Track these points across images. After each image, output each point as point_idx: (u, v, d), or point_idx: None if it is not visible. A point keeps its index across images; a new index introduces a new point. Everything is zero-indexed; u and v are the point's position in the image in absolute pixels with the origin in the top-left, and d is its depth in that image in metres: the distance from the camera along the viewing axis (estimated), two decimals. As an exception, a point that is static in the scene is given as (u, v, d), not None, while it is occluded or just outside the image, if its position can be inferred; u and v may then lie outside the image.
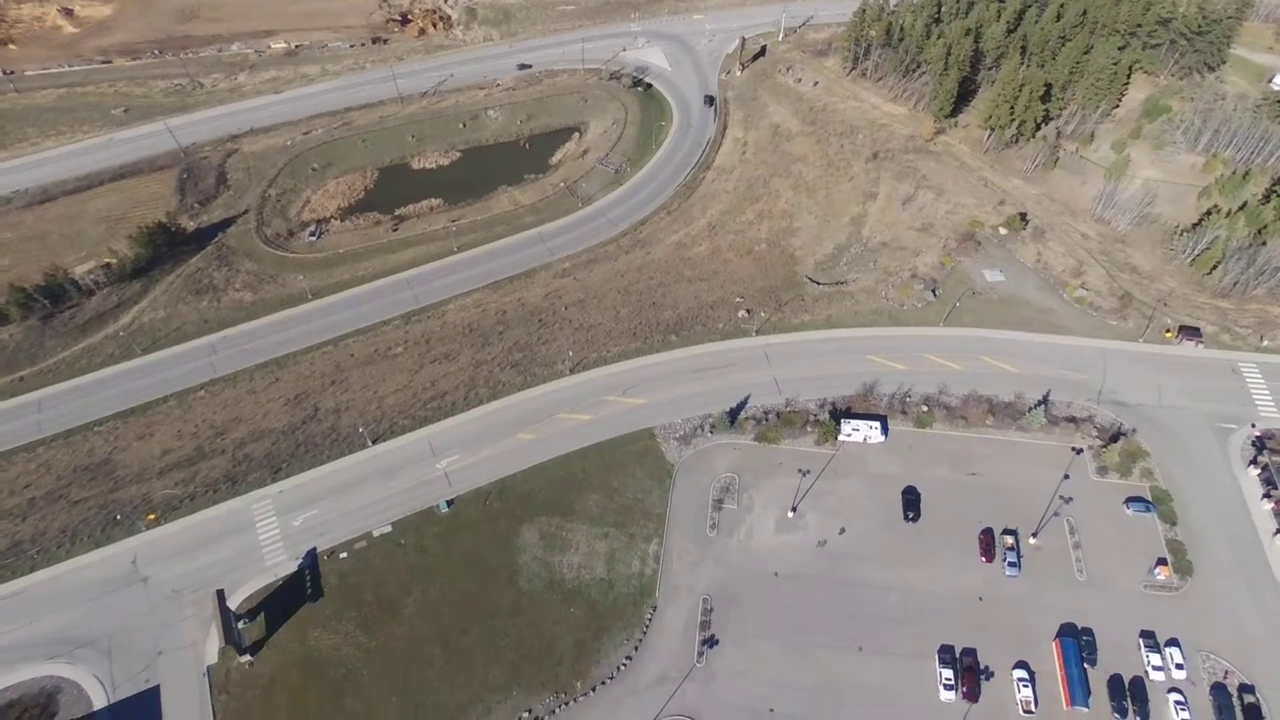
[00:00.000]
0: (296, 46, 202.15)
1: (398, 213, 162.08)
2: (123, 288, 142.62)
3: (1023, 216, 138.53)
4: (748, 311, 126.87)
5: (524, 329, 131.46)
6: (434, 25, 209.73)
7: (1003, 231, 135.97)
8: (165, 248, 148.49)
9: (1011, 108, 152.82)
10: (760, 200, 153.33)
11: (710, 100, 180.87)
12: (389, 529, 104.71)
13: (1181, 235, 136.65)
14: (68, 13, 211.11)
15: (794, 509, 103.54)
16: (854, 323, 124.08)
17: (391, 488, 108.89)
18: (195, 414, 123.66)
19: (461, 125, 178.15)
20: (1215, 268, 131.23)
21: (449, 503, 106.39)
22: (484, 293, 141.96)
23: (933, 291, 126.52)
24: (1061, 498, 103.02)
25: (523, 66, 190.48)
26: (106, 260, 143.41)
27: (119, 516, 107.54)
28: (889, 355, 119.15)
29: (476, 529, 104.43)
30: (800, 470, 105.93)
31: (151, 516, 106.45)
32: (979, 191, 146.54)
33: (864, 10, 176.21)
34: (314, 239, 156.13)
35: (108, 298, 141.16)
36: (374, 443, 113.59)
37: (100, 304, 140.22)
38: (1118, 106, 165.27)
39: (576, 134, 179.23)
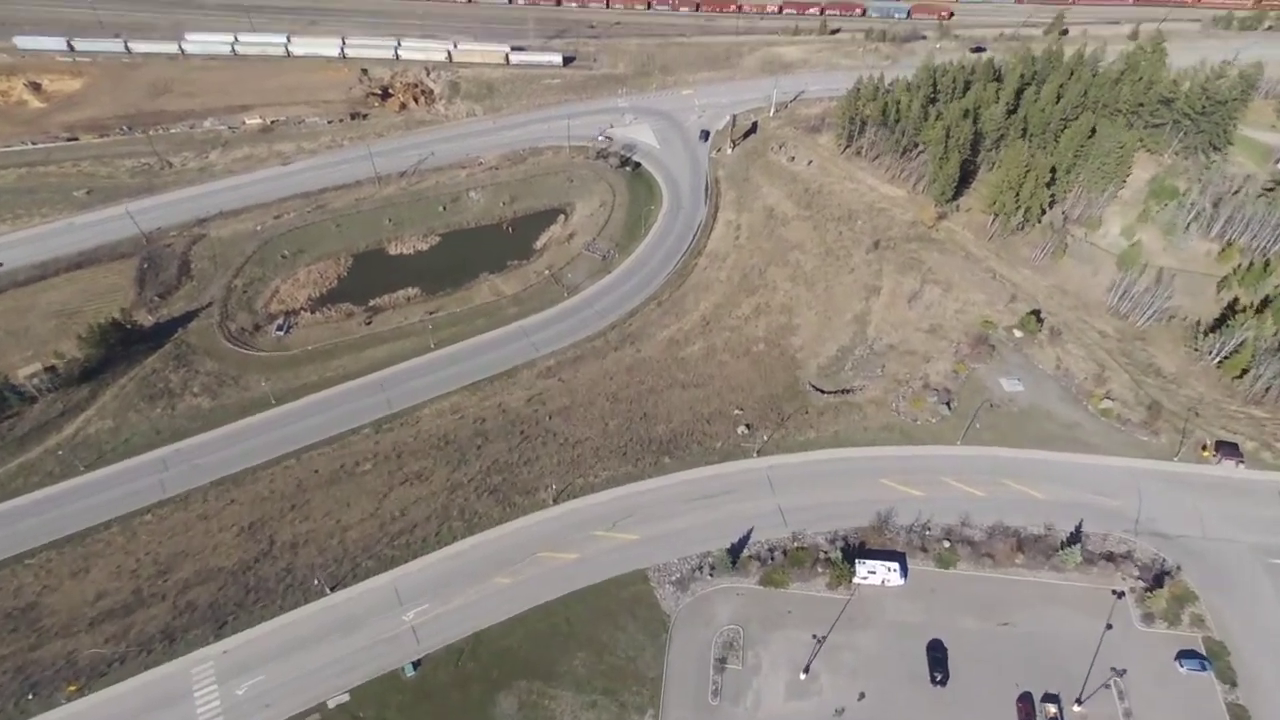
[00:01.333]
0: (272, 122, 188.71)
1: (372, 303, 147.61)
2: (69, 393, 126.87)
3: (1037, 316, 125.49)
4: (747, 427, 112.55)
5: (504, 442, 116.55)
6: (415, 100, 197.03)
7: (1017, 334, 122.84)
8: (119, 347, 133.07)
9: (1017, 194, 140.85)
10: (756, 292, 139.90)
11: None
12: (346, 698, 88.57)
13: (1206, 336, 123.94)
14: (35, 87, 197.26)
15: (806, 669, 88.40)
16: (864, 440, 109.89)
17: (351, 645, 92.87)
18: (139, 544, 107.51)
19: (441, 208, 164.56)
20: (1245, 372, 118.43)
21: (415, 664, 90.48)
22: (462, 395, 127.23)
23: (947, 404, 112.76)
24: (1113, 670, 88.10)
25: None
26: (51, 363, 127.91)
27: (35, 688, 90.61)
28: (904, 479, 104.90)
29: (446, 696, 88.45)
30: (814, 636, 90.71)
31: (73, 688, 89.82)
32: (988, 286, 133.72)
33: (858, 89, 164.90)
34: (281, 334, 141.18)
35: (52, 405, 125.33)
36: (333, 589, 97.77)
37: (43, 413, 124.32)
38: (1123, 187, 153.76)
39: (562, 216, 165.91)
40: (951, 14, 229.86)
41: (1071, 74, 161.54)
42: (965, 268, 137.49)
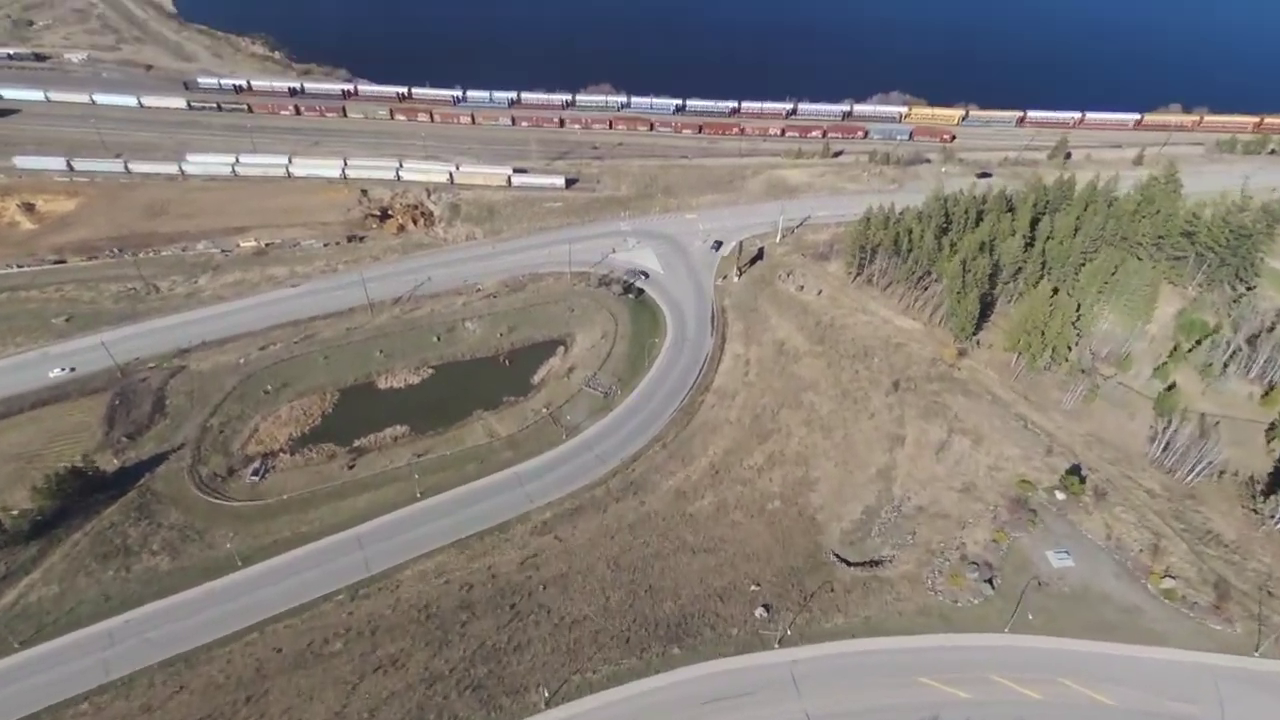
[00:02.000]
0: (267, 245, 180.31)
1: (357, 444, 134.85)
2: (14, 552, 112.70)
3: (1078, 474, 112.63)
4: (766, 608, 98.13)
5: (492, 619, 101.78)
6: (415, 222, 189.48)
7: (1059, 495, 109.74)
8: (77, 496, 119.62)
9: (1042, 333, 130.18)
10: (769, 438, 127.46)
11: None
12: None
13: (1266, 498, 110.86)
14: (29, 208, 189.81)
15: None
16: (899, 628, 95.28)
17: None
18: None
19: (436, 338, 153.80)
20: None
21: None
22: (448, 554, 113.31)
23: (989, 582, 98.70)
24: None
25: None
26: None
27: None
28: (947, 677, 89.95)
29: None
30: None
31: None
32: (1020, 436, 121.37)
33: (868, 218, 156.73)
34: (256, 479, 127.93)
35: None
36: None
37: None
38: (1149, 322, 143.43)
39: (562, 348, 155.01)
40: (954, 137, 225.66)
41: (1087, 206, 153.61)
42: (994, 413, 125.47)
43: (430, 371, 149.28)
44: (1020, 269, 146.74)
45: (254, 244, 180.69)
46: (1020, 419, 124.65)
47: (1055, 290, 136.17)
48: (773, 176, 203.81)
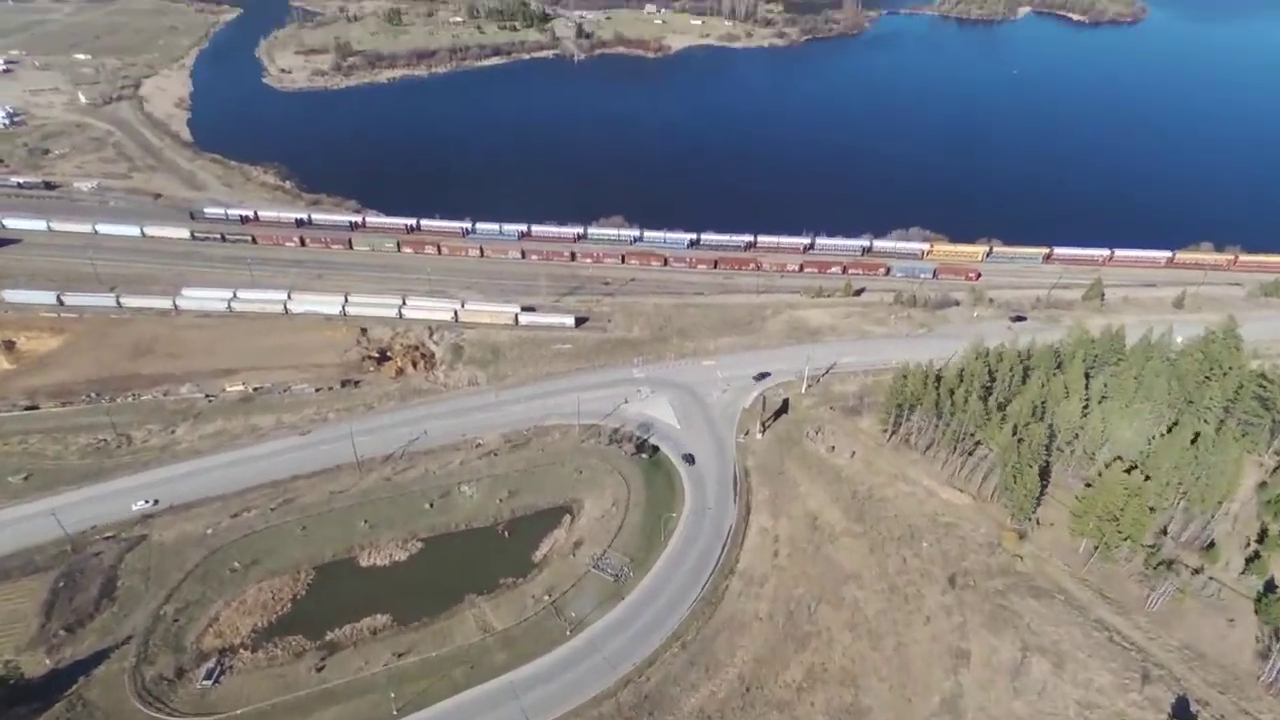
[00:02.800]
0: (255, 389, 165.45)
1: (330, 636, 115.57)
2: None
3: (1185, 709, 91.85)
4: None
5: None
6: (414, 364, 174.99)
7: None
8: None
9: (1117, 521, 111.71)
10: (807, 645, 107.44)
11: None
12: None
13: None
14: (8, 346, 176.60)
15: None
16: None
17: None
18: None
19: (428, 505, 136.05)
20: None
21: None
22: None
23: None
24: None
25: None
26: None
27: None
28: None
29: None
30: None
31: None
32: (1108, 653, 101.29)
33: (905, 377, 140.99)
34: (209, 683, 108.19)
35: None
36: None
37: None
38: (1231, 500, 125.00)
39: (568, 516, 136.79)
40: (979, 275, 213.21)
41: (1145, 364, 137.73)
42: (1071, 621, 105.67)
43: (419, 545, 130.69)
44: (1077, 436, 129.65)
45: (241, 388, 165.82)
46: (1103, 627, 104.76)
47: (1129, 469, 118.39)
48: (793, 317, 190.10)
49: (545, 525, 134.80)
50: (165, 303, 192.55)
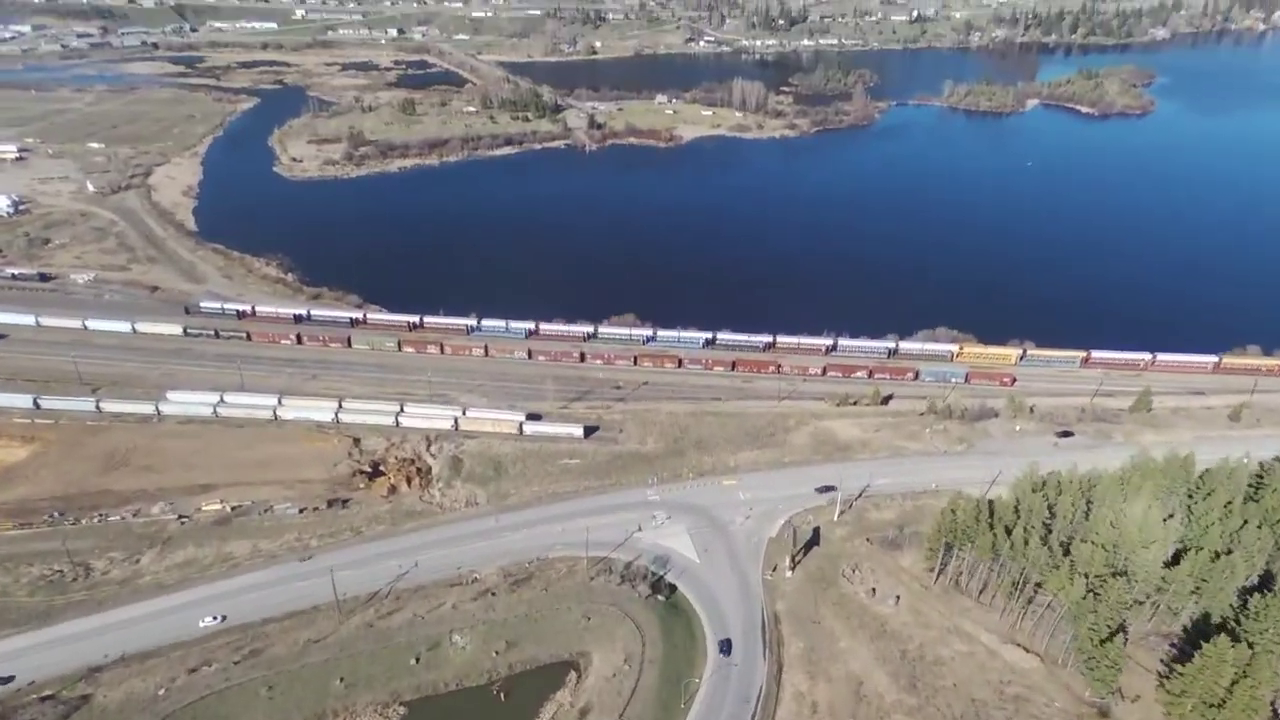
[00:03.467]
0: (234, 508, 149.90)
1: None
2: None
3: None
4: None
5: None
6: (408, 481, 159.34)
7: None
8: None
9: (1222, 704, 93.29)
10: None
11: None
12: None
13: None
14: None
15: None
16: None
17: None
18: None
19: (414, 660, 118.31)
20: None
21: None
22: None
23: None
24: None
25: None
26: None
27: None
28: None
29: None
30: None
31: None
32: None
33: (953, 511, 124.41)
34: None
35: None
36: None
37: None
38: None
39: (573, 674, 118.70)
40: (1013, 380, 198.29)
41: (1228, 504, 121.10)
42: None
43: (402, 711, 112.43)
44: (1160, 588, 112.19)
45: (218, 507, 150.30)
46: None
47: (1223, 629, 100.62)
48: (819, 429, 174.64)
49: (547, 684, 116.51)
50: (147, 407, 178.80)
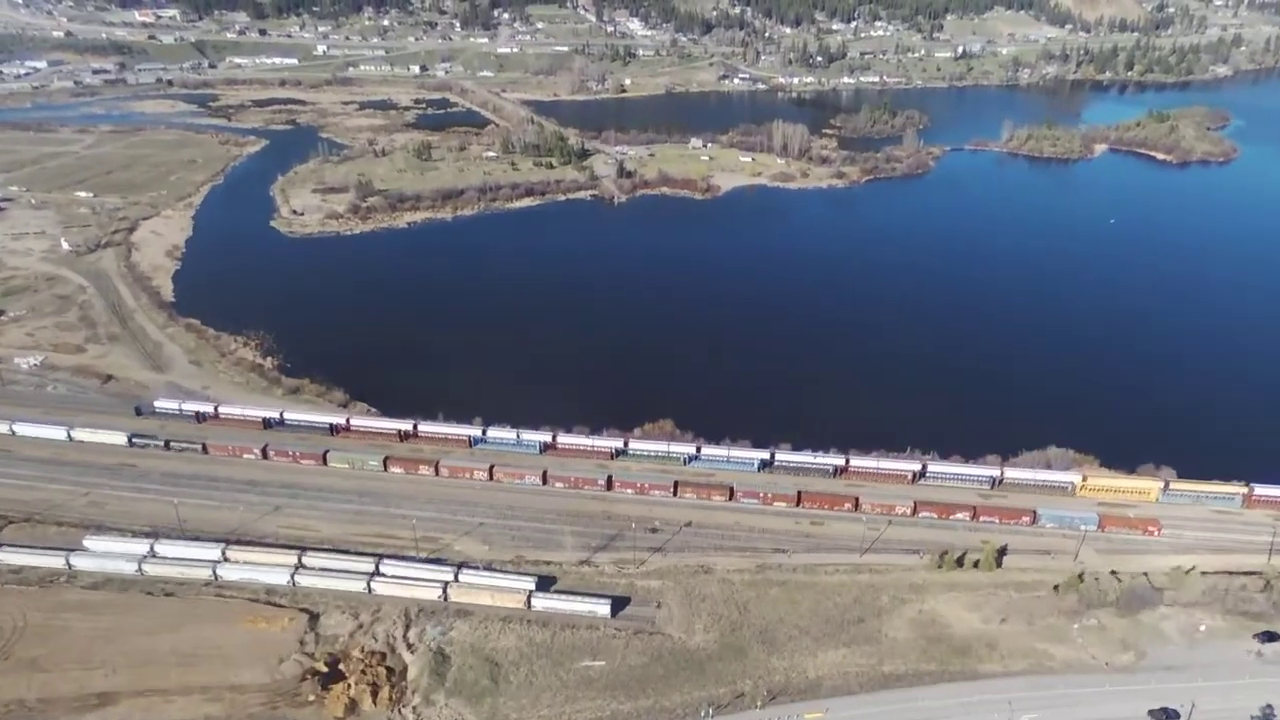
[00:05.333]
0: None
1: None
2: None
3: None
4: None
5: None
6: (374, 691, 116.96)
7: None
8: None
9: None
10: None
11: None
12: None
13: None
14: None
15: None
16: None
17: None
18: None
19: None
20: None
21: None
22: None
23: None
24: None
25: None
26: None
27: None
28: None
29: None
30: None
31: None
32: None
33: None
34: None
35: None
36: None
37: None
38: None
39: None
40: (1159, 528, 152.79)
41: None
42: None
43: None
44: None
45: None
46: None
47: None
48: (925, 613, 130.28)
49: None
50: (57, 560, 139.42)
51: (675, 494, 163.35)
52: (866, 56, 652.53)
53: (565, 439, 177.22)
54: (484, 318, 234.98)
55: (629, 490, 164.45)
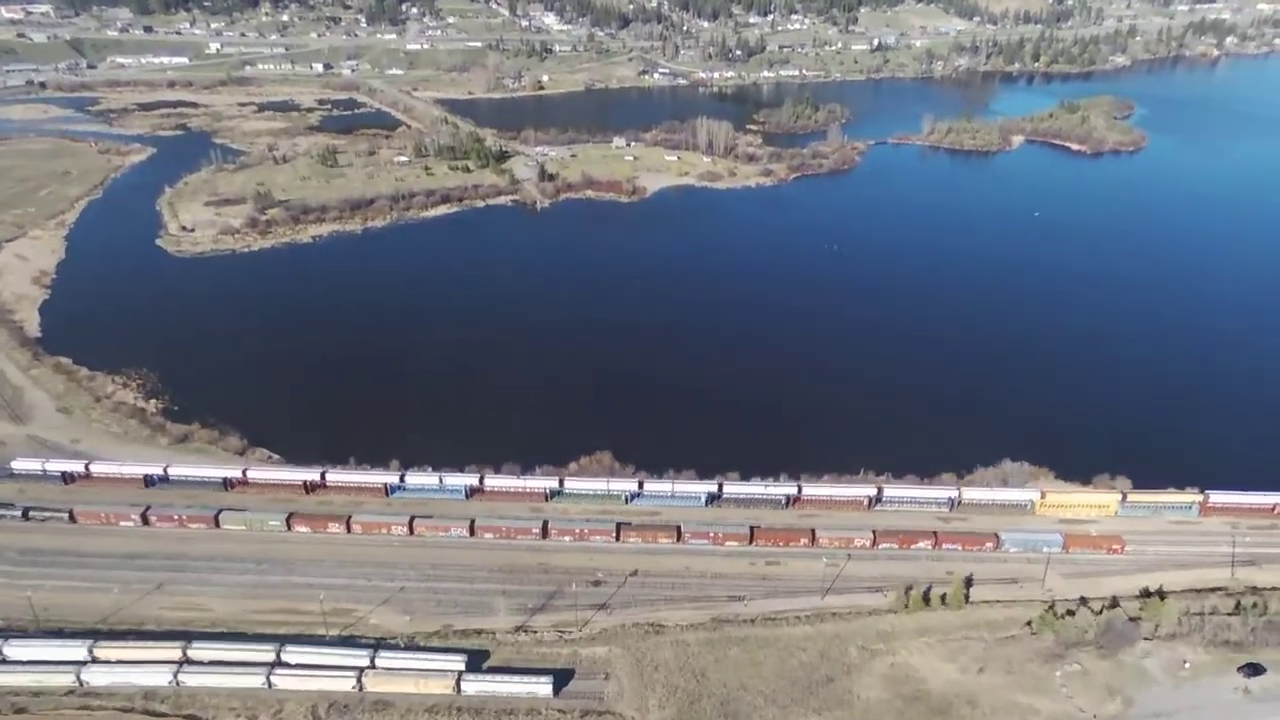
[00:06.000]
0: None
1: None
2: None
3: None
4: None
5: None
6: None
7: None
8: None
9: None
10: None
11: None
12: None
13: None
14: None
15: None
16: None
17: None
18: None
19: None
20: None
21: None
22: None
23: None
24: None
25: None
26: None
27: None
28: None
29: None
30: None
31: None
32: None
33: None
34: None
35: None
36: None
37: None
38: None
39: None
40: (1123, 545, 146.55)
41: None
42: None
43: None
44: None
45: None
46: None
47: None
48: (896, 666, 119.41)
49: None
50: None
51: (618, 538, 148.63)
52: (785, 50, 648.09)
53: (494, 480, 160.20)
54: (398, 344, 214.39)
55: (567, 537, 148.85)
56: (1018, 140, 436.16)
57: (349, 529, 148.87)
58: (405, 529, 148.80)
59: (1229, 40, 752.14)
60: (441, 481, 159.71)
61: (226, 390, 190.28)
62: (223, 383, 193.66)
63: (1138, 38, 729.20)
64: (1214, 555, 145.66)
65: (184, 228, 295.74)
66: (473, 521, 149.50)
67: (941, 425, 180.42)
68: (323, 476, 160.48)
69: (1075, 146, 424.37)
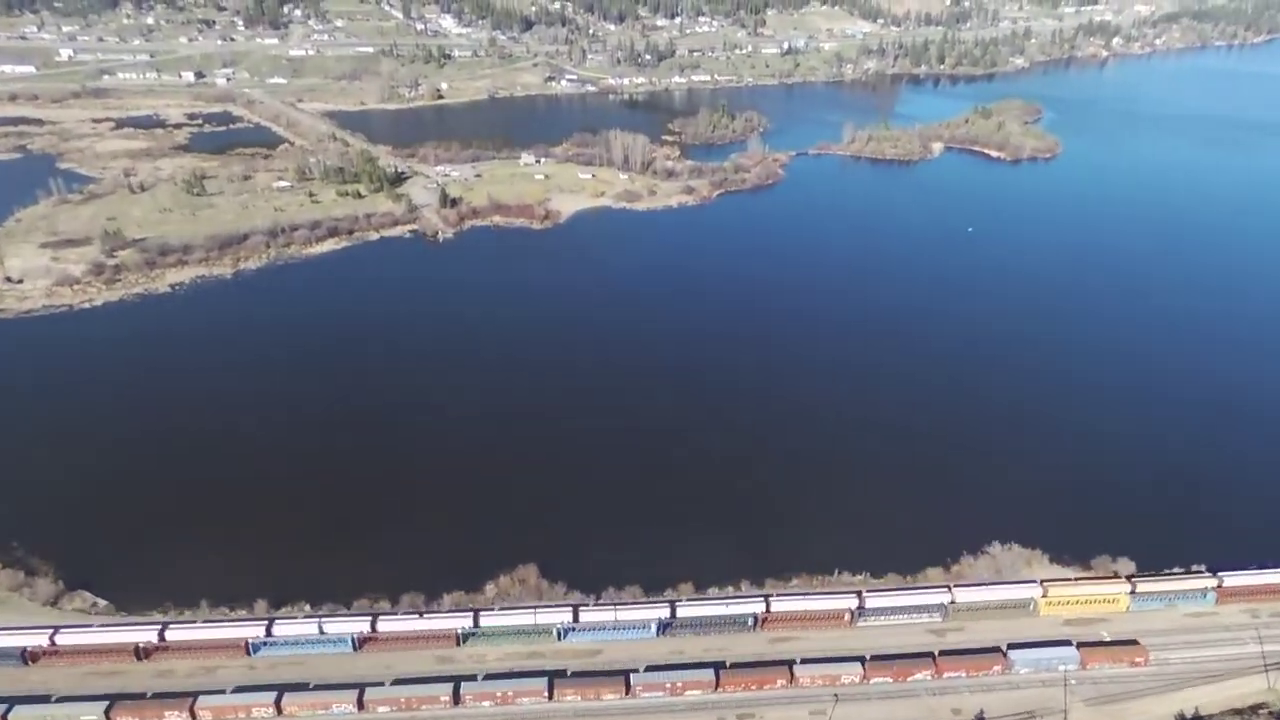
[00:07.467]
0: None
1: None
2: None
3: None
4: None
5: None
6: None
7: None
8: None
9: None
10: None
11: None
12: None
13: None
14: None
15: None
16: None
17: None
18: None
19: None
20: None
21: None
22: None
23: None
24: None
25: None
26: None
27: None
28: None
29: None
30: None
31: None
32: None
33: None
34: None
35: None
36: None
37: None
38: None
39: None
40: (1147, 658, 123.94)
41: None
42: None
43: None
44: None
45: None
46: None
47: None
48: None
49: None
50: None
51: (551, 697, 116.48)
52: (695, 54, 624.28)
53: (389, 624, 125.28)
54: (268, 433, 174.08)
55: (486, 702, 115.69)
56: (938, 148, 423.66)
57: (193, 716, 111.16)
58: (271, 709, 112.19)
59: (1115, 41, 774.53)
60: (321, 629, 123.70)
61: (39, 508, 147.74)
62: (35, 496, 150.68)
63: (1033, 40, 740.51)
64: (1242, 659, 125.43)
65: (9, 278, 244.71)
66: (362, 692, 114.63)
67: (917, 506, 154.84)
68: (162, 634, 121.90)
69: (995, 154, 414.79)
